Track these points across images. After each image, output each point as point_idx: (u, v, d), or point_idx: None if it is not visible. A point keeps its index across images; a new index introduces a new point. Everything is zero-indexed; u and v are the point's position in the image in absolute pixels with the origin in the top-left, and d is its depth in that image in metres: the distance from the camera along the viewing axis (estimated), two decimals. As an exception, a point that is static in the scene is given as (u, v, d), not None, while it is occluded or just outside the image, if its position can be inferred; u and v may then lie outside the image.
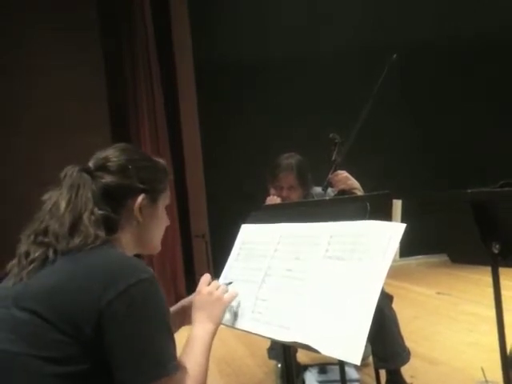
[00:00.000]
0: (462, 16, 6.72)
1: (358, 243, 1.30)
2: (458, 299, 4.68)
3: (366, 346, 1.15)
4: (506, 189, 1.69)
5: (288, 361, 1.69)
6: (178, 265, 5.63)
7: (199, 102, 5.96)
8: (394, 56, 2.80)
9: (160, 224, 1.38)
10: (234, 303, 1.49)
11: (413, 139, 6.71)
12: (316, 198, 2.89)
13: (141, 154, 1.38)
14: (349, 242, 1.33)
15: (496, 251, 1.67)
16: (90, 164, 1.31)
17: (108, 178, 1.27)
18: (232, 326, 1.48)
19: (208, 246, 5.56)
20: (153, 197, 1.33)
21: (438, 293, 4.98)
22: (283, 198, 2.88)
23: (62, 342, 1.06)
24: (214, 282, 1.45)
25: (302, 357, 3.13)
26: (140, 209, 1.30)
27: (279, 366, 3.09)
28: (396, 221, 1.81)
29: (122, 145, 1.36)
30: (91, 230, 1.18)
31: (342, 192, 2.69)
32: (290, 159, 2.96)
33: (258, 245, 1.51)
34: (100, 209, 1.23)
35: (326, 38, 6.57)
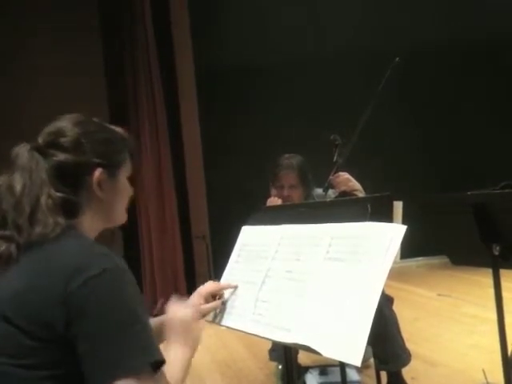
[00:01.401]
0: (461, 17, 6.72)
1: (358, 245, 1.30)
2: (458, 301, 4.67)
3: (366, 348, 1.15)
4: (507, 190, 1.69)
5: (289, 362, 1.69)
6: (179, 266, 5.63)
7: (199, 102, 5.96)
8: (397, 59, 2.80)
9: (123, 196, 1.31)
10: (234, 304, 1.49)
11: (413, 141, 6.72)
12: (317, 200, 2.90)
13: (96, 125, 1.27)
14: (349, 243, 1.33)
15: (496, 253, 1.68)
16: (40, 140, 1.20)
17: (61, 156, 1.17)
18: (233, 328, 1.48)
19: (208, 247, 5.56)
20: (111, 170, 1.24)
21: (439, 294, 4.97)
22: (284, 198, 2.88)
23: (40, 348, 1.02)
24: (186, 308, 1.39)
25: (302, 358, 3.13)
26: (99, 184, 1.21)
27: (280, 367, 3.09)
28: (397, 222, 1.81)
29: (74, 116, 1.26)
30: (50, 218, 1.11)
31: (343, 193, 2.69)
32: (290, 159, 2.97)
33: (258, 246, 1.51)
34: (57, 190, 1.15)
35: (326, 39, 6.58)
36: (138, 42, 5.59)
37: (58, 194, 1.15)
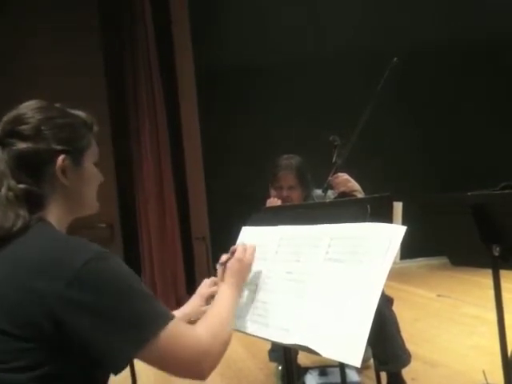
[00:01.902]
0: (461, 17, 6.73)
1: (358, 246, 1.30)
2: (458, 302, 4.67)
3: (366, 349, 1.15)
4: (507, 191, 1.69)
5: (288, 363, 1.68)
6: (179, 267, 5.63)
7: (199, 102, 5.96)
8: (395, 60, 2.80)
9: (90, 183, 1.24)
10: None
11: (413, 141, 6.72)
12: (316, 201, 2.90)
13: (57, 110, 1.21)
14: (349, 244, 1.33)
15: (496, 253, 1.67)
16: None
17: (21, 145, 1.12)
18: (232, 329, 1.48)
19: (208, 248, 5.56)
20: (75, 157, 1.18)
21: (439, 295, 4.97)
22: (283, 199, 2.89)
23: (29, 350, 0.99)
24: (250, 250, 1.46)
25: (302, 359, 3.13)
26: (63, 172, 1.15)
27: (280, 368, 3.09)
28: (396, 223, 1.80)
29: (33, 102, 1.20)
30: (10, 212, 1.07)
31: (343, 194, 2.69)
32: (289, 159, 2.97)
33: (258, 247, 1.51)
34: (19, 182, 1.10)
35: (326, 39, 6.58)
36: (137, 42, 5.58)
37: (20, 186, 1.10)
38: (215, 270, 1.48)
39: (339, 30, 6.54)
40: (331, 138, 2.77)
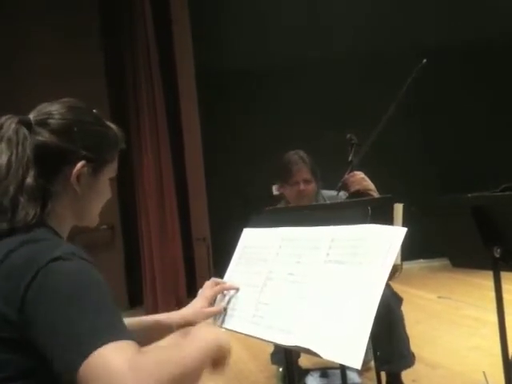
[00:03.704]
0: (461, 19, 6.73)
1: (358, 247, 1.30)
2: (459, 303, 4.67)
3: (367, 351, 1.15)
4: (507, 193, 1.69)
5: (290, 365, 1.69)
6: (179, 268, 5.63)
7: (200, 103, 5.97)
8: (424, 61, 2.78)
9: (100, 197, 1.22)
10: (235, 307, 1.49)
11: (414, 142, 6.71)
12: (328, 201, 2.88)
13: (93, 117, 1.19)
14: (350, 246, 1.33)
15: (497, 255, 1.68)
16: (31, 116, 1.13)
17: (46, 136, 1.10)
18: (233, 330, 1.48)
19: (209, 249, 5.56)
20: (95, 167, 1.16)
21: (440, 297, 4.97)
22: (301, 193, 2.84)
23: (4, 359, 0.95)
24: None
25: (303, 361, 3.12)
26: (78, 178, 1.13)
27: (281, 369, 3.09)
28: (397, 225, 1.81)
29: (72, 101, 1.19)
30: (32, 205, 1.05)
31: (357, 193, 2.67)
32: (298, 154, 2.93)
33: (259, 249, 1.51)
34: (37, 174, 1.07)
35: (327, 40, 6.58)
36: (138, 43, 5.60)
37: (40, 180, 1.08)
38: (216, 271, 1.48)
39: (340, 31, 6.54)
40: (348, 137, 2.76)
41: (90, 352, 0.87)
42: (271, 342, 1.48)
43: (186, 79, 5.91)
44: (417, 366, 2.80)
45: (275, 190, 3.02)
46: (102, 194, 1.22)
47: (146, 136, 5.58)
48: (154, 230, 5.54)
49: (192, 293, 5.53)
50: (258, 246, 1.59)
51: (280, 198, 3.02)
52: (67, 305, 0.93)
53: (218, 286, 1.52)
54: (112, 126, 1.23)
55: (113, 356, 0.87)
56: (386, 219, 1.57)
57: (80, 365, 0.87)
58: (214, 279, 1.55)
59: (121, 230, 5.78)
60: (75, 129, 1.12)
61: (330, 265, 1.34)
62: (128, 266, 5.86)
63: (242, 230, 1.70)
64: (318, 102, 6.38)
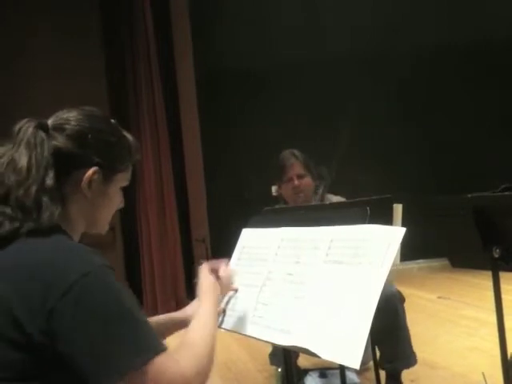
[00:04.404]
0: (461, 19, 6.73)
1: (358, 247, 1.30)
2: (458, 303, 4.67)
3: (365, 351, 1.15)
4: (506, 193, 1.69)
5: (288, 365, 1.68)
6: (179, 269, 5.62)
7: (199, 104, 5.97)
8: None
9: (110, 205, 1.24)
10: (235, 307, 1.48)
11: (413, 142, 6.71)
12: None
13: (109, 126, 1.22)
14: (349, 246, 1.33)
15: (496, 256, 1.68)
16: (49, 121, 1.17)
17: (60, 141, 1.13)
18: (232, 330, 1.48)
19: (208, 250, 5.55)
20: (107, 174, 1.18)
21: (439, 297, 4.97)
22: (296, 188, 2.85)
23: (16, 360, 0.97)
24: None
25: (302, 361, 3.12)
26: (90, 183, 1.15)
27: (279, 370, 3.09)
28: (396, 225, 1.81)
29: (90, 109, 1.22)
30: (54, 203, 1.07)
31: None
32: (290, 151, 2.97)
33: (258, 249, 1.51)
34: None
35: (327, 41, 6.58)
36: (138, 43, 5.59)
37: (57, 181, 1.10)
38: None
39: (340, 32, 6.54)
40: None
41: (145, 362, 0.97)
42: (270, 342, 1.48)
43: (185, 79, 5.90)
44: (416, 366, 2.79)
45: (274, 192, 3.02)
46: (113, 201, 1.25)
47: (146, 136, 5.58)
48: (153, 231, 5.54)
49: (191, 294, 5.52)
50: (257, 247, 1.60)
51: (278, 199, 3.03)
52: (110, 322, 0.98)
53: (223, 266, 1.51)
54: (128, 136, 1.26)
55: (170, 363, 1.01)
56: (386, 219, 1.57)
57: (132, 372, 0.96)
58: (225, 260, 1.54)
59: (121, 231, 5.78)
60: (90, 136, 1.15)
61: (329, 265, 1.34)
62: (128, 266, 5.85)
63: (241, 231, 1.70)
64: (319, 102, 6.38)
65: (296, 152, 2.95)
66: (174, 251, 5.61)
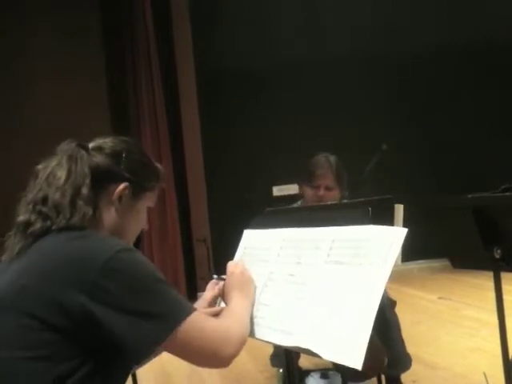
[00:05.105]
0: (461, 19, 6.73)
1: (359, 248, 1.30)
2: (459, 304, 4.67)
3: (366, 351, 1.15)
4: (507, 193, 1.69)
5: (290, 365, 1.68)
6: (180, 269, 5.63)
7: (200, 104, 5.97)
8: (384, 147, 2.76)
9: (137, 221, 1.37)
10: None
11: (414, 143, 6.71)
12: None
13: (139, 150, 1.39)
14: (350, 246, 1.33)
15: (497, 256, 1.67)
16: (88, 143, 1.33)
17: (99, 158, 1.28)
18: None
19: (209, 250, 5.56)
20: (136, 190, 1.32)
21: (440, 298, 4.97)
22: (319, 197, 2.74)
23: (55, 341, 1.06)
24: (242, 264, 1.51)
25: (303, 362, 3.12)
26: (120, 198, 1.29)
27: (281, 370, 3.08)
28: (398, 226, 1.80)
29: (124, 138, 1.38)
30: (87, 207, 1.20)
31: None
32: (328, 158, 2.83)
33: (260, 250, 1.51)
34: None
35: (327, 41, 6.58)
36: (138, 42, 5.60)
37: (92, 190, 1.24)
38: (216, 272, 1.48)
39: (339, 33, 6.54)
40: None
41: (182, 320, 1.11)
42: (272, 343, 1.48)
43: (186, 79, 5.90)
44: (417, 366, 2.80)
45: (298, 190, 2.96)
46: (140, 217, 1.37)
47: (147, 136, 5.58)
48: (154, 230, 5.54)
49: (192, 294, 5.54)
50: (258, 247, 1.60)
51: (299, 196, 2.97)
52: (145, 289, 1.12)
53: (217, 289, 1.52)
54: (157, 163, 1.42)
55: (204, 318, 1.18)
56: (387, 220, 1.57)
57: (171, 331, 1.10)
58: (214, 281, 1.55)
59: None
60: (123, 154, 1.31)
61: (330, 265, 1.34)
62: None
63: (242, 231, 1.70)
64: (319, 102, 6.37)
65: (332, 159, 2.81)
66: (175, 251, 5.61)
